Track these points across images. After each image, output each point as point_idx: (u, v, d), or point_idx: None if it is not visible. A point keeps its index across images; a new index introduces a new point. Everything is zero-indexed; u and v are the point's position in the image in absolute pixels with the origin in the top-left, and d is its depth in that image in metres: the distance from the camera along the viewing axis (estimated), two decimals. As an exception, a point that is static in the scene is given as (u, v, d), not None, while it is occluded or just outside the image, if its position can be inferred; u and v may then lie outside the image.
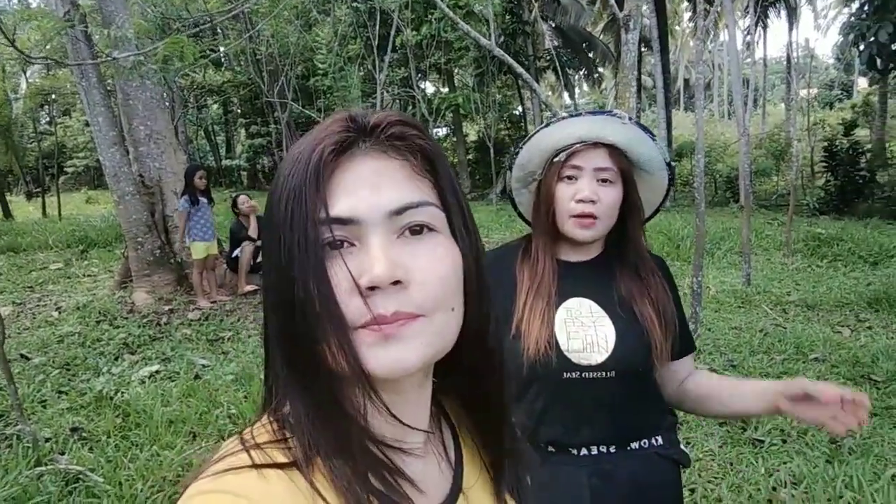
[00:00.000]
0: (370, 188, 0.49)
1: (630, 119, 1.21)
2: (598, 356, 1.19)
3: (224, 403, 3.95)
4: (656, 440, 1.28)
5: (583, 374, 1.19)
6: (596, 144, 1.19)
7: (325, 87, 10.29)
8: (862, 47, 13.17)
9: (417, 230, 0.50)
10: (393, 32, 8.25)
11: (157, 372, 4.71)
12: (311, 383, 0.50)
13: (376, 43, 8.86)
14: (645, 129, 1.22)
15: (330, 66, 9.05)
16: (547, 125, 1.23)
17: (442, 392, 0.61)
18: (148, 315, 6.29)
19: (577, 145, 1.19)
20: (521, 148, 1.28)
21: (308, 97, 13.26)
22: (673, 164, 1.28)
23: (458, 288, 0.52)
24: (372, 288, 0.47)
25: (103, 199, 20.04)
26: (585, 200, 1.18)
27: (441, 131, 18.68)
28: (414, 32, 10.88)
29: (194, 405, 3.96)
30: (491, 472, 0.62)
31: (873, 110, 19.61)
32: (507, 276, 1.27)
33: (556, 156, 1.22)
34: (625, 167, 1.21)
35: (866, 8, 12.91)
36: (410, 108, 16.37)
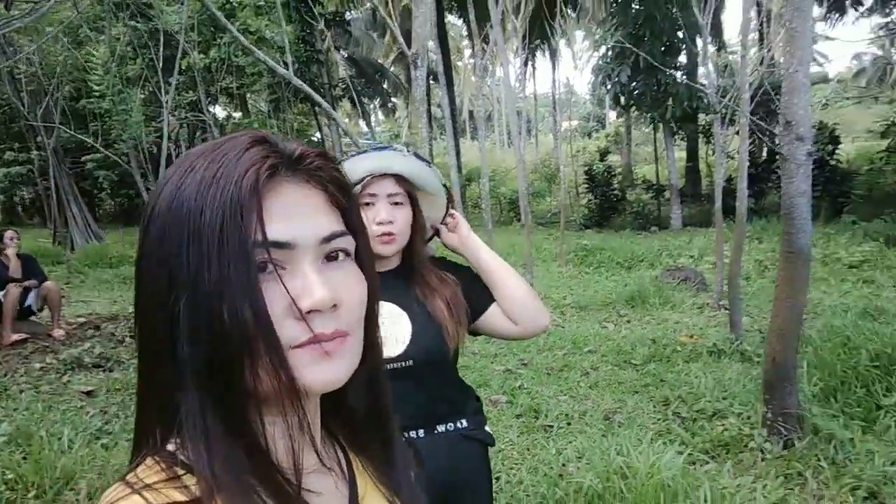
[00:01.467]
0: (302, 215, 0.51)
1: (408, 151, 1.45)
2: (397, 349, 1.39)
3: (-2, 469, 3.42)
4: (461, 423, 1.47)
5: (386, 366, 1.39)
6: (384, 175, 1.40)
7: (103, 109, 9.33)
8: (609, 86, 15.63)
9: (334, 257, 0.53)
10: (179, 54, 7.82)
11: None
12: (226, 410, 0.50)
13: (160, 65, 8.31)
14: (422, 158, 1.47)
15: (107, 88, 8.25)
16: (340, 163, 1.47)
17: (327, 411, 0.63)
18: None
19: (368, 177, 1.39)
20: None
21: (80, 120, 11.88)
22: (447, 185, 1.55)
23: (364, 312, 0.56)
24: (310, 311, 0.49)
25: None
26: (384, 222, 1.39)
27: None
28: (202, 55, 10.40)
29: (-44, 477, 3.35)
30: (381, 479, 0.65)
31: (622, 139, 23.30)
32: None
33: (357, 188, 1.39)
34: (410, 190, 1.44)
35: (610, 53, 15.35)
36: (200, 133, 15.47)
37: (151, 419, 0.53)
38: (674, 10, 9.86)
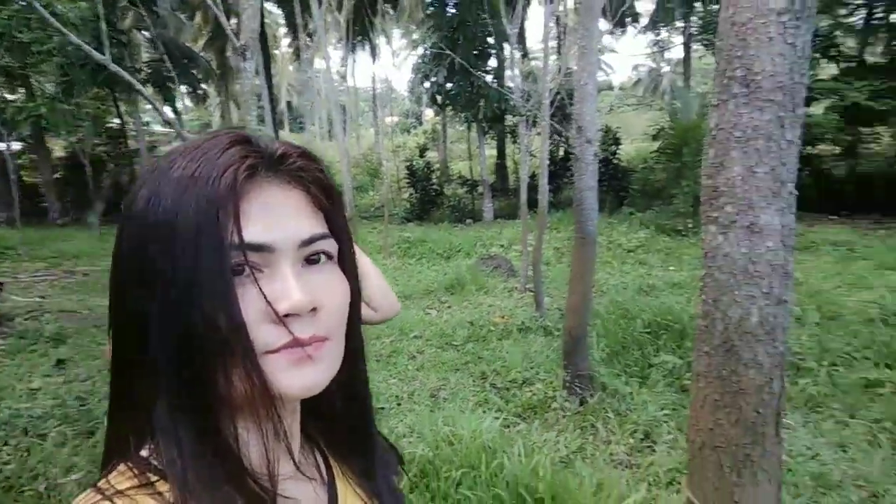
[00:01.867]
0: (282, 216, 0.50)
1: None
2: None
3: None
4: None
5: None
6: None
7: None
8: (427, 85, 16.27)
9: (315, 259, 0.52)
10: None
11: None
12: (200, 416, 0.49)
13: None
14: None
15: None
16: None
17: (308, 417, 0.61)
18: None
19: None
20: None
21: None
22: None
23: (346, 316, 0.55)
24: (287, 315, 0.48)
25: None
26: None
27: (15, 146, 15.45)
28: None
29: None
30: (362, 484, 0.65)
31: (439, 136, 24.33)
32: None
33: None
34: None
35: (428, 53, 15.97)
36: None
37: (124, 425, 0.52)
38: (484, 17, 10.63)
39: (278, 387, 0.49)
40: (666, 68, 30.94)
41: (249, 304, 0.47)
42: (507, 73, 15.64)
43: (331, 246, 0.54)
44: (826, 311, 5.96)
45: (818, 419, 3.99)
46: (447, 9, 15.15)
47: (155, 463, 0.49)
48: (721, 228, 1.89)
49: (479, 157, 16.82)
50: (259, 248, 0.48)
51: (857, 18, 14.83)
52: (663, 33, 25.05)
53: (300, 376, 0.49)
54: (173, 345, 0.48)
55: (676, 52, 27.00)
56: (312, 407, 0.60)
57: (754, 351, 1.87)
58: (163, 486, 0.48)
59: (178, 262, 0.46)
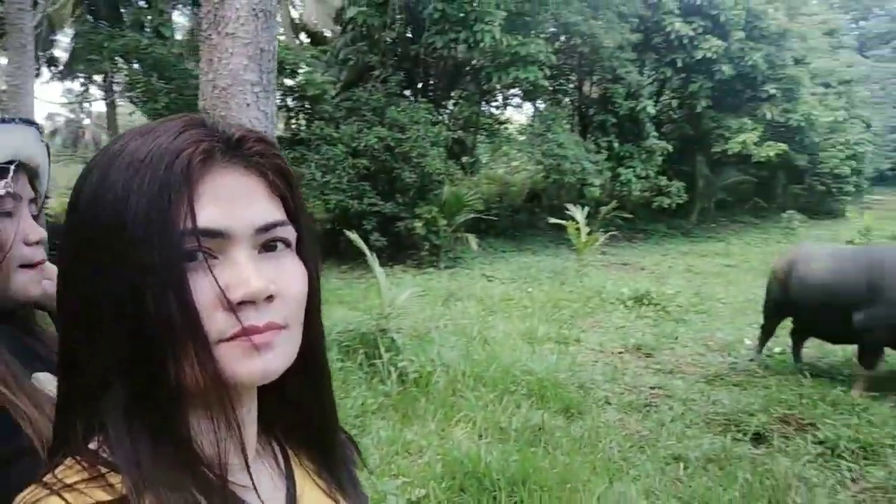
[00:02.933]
0: (238, 202, 0.49)
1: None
2: None
3: None
4: None
5: None
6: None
7: None
8: None
9: (272, 247, 0.52)
10: None
11: None
12: (152, 405, 0.47)
13: None
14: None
15: None
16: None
17: (265, 405, 0.59)
18: None
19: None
20: None
21: None
22: None
23: (304, 305, 0.53)
24: (242, 302, 0.48)
25: None
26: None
27: None
28: None
29: None
30: (322, 475, 0.64)
31: None
32: None
33: None
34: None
35: None
36: None
37: (72, 416, 0.50)
38: None
39: (232, 375, 0.49)
40: (87, 121, 29.01)
41: (203, 291, 0.47)
42: None
43: (289, 233, 0.53)
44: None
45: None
46: None
47: (105, 455, 0.48)
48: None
49: None
50: (214, 233, 0.48)
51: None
52: (80, 84, 23.44)
53: (253, 364, 0.49)
54: (125, 333, 0.46)
55: (99, 106, 25.71)
56: (270, 395, 0.58)
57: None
58: (114, 478, 0.47)
59: (130, 247, 0.45)
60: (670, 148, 16.51)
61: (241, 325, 0.48)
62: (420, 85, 14.74)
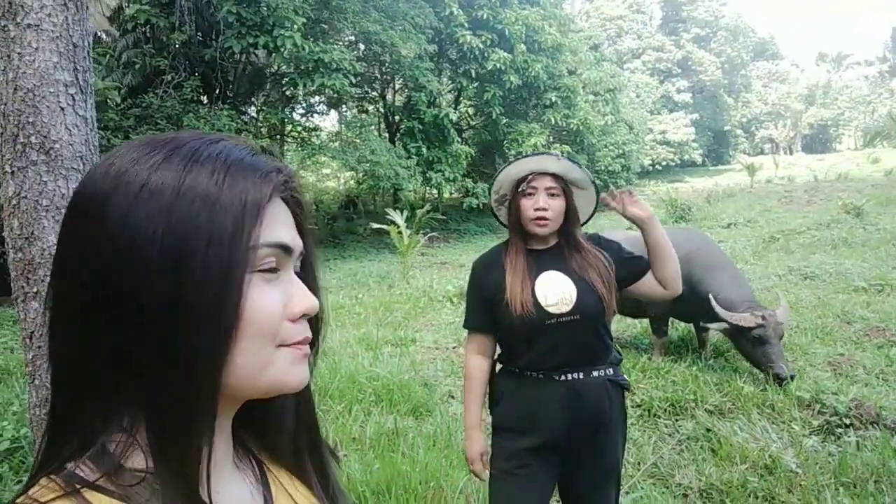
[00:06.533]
0: (290, 228, 0.55)
1: (561, 156, 1.85)
2: (566, 306, 1.77)
3: None
4: (608, 371, 1.83)
5: (559, 320, 1.77)
6: (543, 172, 1.83)
7: None
8: None
9: (297, 271, 0.57)
10: None
11: None
12: (195, 407, 0.48)
13: None
14: (573, 160, 1.86)
15: None
16: (510, 163, 1.90)
17: (247, 422, 0.61)
18: None
19: (530, 175, 1.84)
20: (495, 180, 1.94)
21: None
22: (597, 182, 1.91)
23: None
24: (301, 315, 0.54)
25: None
26: (541, 209, 1.81)
27: None
28: None
29: None
30: (300, 487, 0.65)
31: None
32: (498, 266, 1.88)
33: (518, 183, 1.86)
34: (564, 186, 1.85)
35: None
36: None
37: (62, 439, 0.50)
38: None
39: (284, 379, 0.53)
40: None
41: (273, 300, 0.52)
42: None
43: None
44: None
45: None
46: None
47: (81, 474, 0.47)
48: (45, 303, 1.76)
49: None
50: (285, 248, 0.53)
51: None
52: None
53: (301, 371, 0.55)
54: (178, 331, 0.47)
55: None
56: (248, 412, 0.59)
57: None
58: (90, 496, 0.46)
59: (197, 253, 0.47)
60: (473, 152, 17.61)
61: (303, 335, 0.54)
62: (218, 91, 13.83)
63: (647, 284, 1.88)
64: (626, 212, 1.84)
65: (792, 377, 4.17)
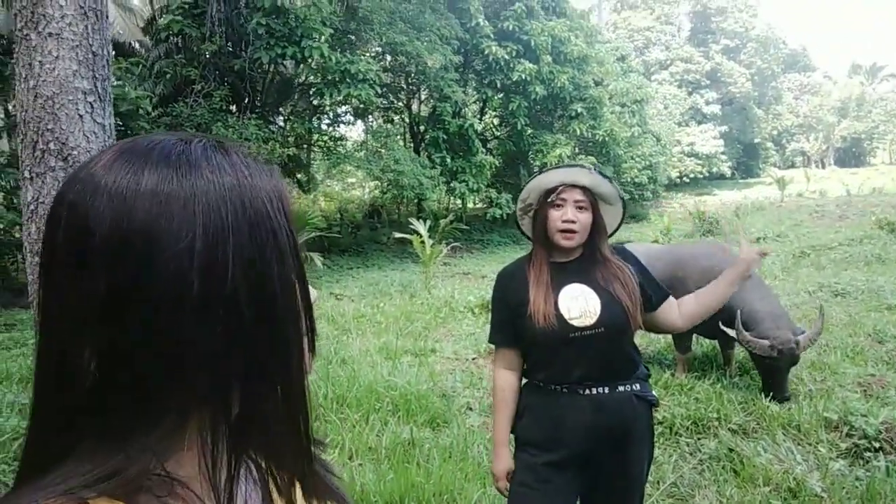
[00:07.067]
0: None
1: (593, 169, 1.84)
2: (590, 319, 1.73)
3: None
4: (635, 386, 1.78)
5: (582, 333, 1.73)
6: (574, 185, 1.80)
7: None
8: None
9: None
10: None
11: None
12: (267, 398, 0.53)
13: None
14: (604, 175, 1.84)
15: None
16: (541, 172, 1.87)
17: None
18: None
19: (561, 186, 1.81)
20: (524, 188, 1.90)
21: None
22: (625, 198, 1.91)
23: None
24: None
25: None
26: (569, 220, 1.78)
27: None
28: None
29: None
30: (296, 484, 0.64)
31: None
32: (522, 277, 1.85)
33: (548, 193, 1.83)
34: (592, 200, 1.82)
35: None
36: None
37: (46, 450, 0.48)
38: None
39: (310, 363, 0.59)
40: None
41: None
42: None
43: None
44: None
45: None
46: None
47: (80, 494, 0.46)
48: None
49: None
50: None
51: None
52: None
53: (310, 360, 0.59)
54: (255, 334, 0.50)
55: None
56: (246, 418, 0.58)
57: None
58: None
59: (268, 261, 0.50)
60: (497, 162, 17.59)
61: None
62: (246, 100, 14.08)
63: (666, 315, 1.89)
64: (746, 259, 1.85)
65: (787, 398, 4.25)
